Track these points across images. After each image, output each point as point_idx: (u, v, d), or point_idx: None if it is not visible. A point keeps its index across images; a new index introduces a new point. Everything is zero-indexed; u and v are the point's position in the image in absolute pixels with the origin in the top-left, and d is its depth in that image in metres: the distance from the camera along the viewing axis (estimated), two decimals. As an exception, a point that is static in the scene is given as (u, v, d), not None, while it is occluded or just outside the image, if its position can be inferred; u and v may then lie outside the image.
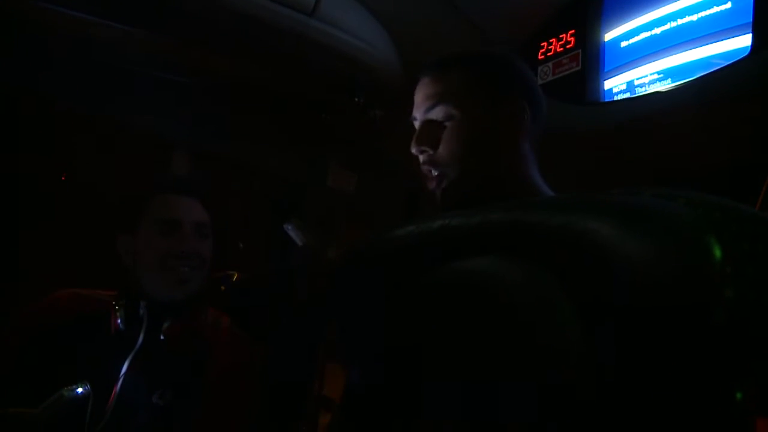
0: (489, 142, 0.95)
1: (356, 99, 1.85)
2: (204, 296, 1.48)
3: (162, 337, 1.33)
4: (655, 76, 1.41)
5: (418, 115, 1.00)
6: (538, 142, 1.01)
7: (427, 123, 0.98)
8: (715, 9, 1.29)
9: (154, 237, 1.38)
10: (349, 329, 0.90)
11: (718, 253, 0.42)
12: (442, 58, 1.02)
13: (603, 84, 1.54)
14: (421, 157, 0.99)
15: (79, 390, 1.24)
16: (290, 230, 1.11)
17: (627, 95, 1.47)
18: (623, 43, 1.50)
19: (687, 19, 1.35)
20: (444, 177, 0.96)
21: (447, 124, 0.96)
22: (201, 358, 1.34)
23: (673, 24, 1.38)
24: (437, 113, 0.97)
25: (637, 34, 1.46)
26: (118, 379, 1.28)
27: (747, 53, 1.21)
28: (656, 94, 1.38)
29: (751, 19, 1.21)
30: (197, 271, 1.40)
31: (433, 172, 0.97)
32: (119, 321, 1.34)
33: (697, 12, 1.32)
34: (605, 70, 1.54)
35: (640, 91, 1.44)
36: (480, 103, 0.95)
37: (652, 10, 1.43)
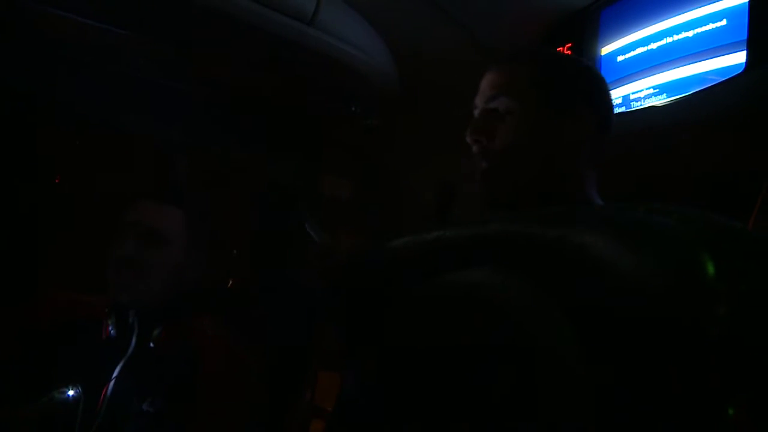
0: (543, 144, 0.92)
1: (353, 108, 1.86)
2: (195, 303, 1.48)
3: (151, 345, 1.33)
4: (651, 91, 1.42)
5: (479, 103, 0.97)
6: (601, 158, 0.97)
7: (486, 112, 0.95)
8: (711, 26, 1.30)
9: (114, 242, 1.38)
10: (346, 336, 0.90)
11: (711, 269, 0.42)
12: (517, 50, 1.00)
13: (599, 98, 1.55)
14: (474, 147, 0.95)
15: (71, 392, 1.24)
16: (308, 226, 1.11)
17: (623, 109, 1.48)
18: (619, 58, 1.51)
19: (683, 35, 1.36)
20: (491, 171, 0.93)
21: (506, 117, 0.92)
22: (192, 366, 1.34)
23: (669, 40, 1.39)
24: (497, 104, 0.93)
25: (634, 49, 1.47)
26: (108, 384, 1.27)
27: (742, 70, 1.22)
28: (651, 109, 1.39)
29: (746, 37, 1.22)
30: (139, 279, 1.36)
31: (483, 164, 0.94)
32: (110, 327, 1.34)
33: (693, 28, 1.34)
34: (601, 84, 1.55)
35: (636, 106, 1.45)
36: (543, 104, 0.92)
37: (649, 26, 1.44)
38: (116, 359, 1.32)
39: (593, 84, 0.99)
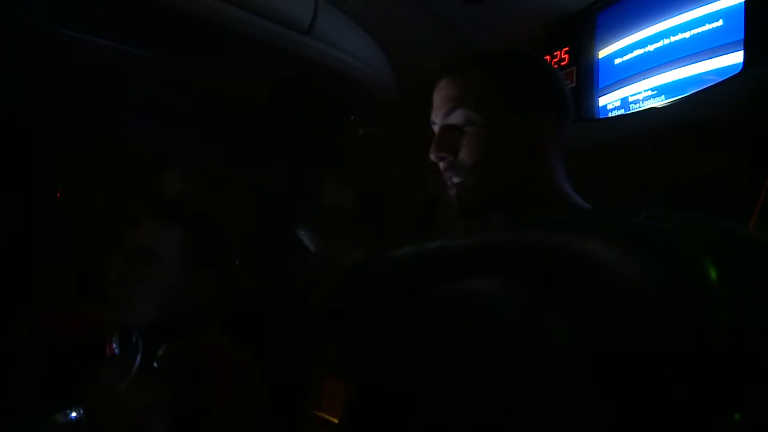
0: (511, 149, 0.90)
1: (351, 116, 1.86)
2: (198, 319, 1.45)
3: (155, 365, 1.31)
4: (649, 93, 1.42)
5: (437, 120, 0.95)
6: (564, 150, 0.96)
7: (446, 128, 0.93)
8: (707, 26, 1.30)
9: (112, 261, 1.35)
10: (349, 347, 0.90)
11: (713, 274, 0.42)
12: (463, 58, 0.97)
13: (597, 101, 1.55)
14: (441, 165, 0.93)
15: (73, 415, 1.21)
16: (303, 236, 1.07)
17: (621, 112, 1.48)
18: (617, 60, 1.51)
19: (680, 36, 1.36)
20: (463, 185, 0.91)
21: (467, 129, 0.90)
22: (199, 383, 1.31)
23: (666, 41, 1.39)
24: (456, 117, 0.91)
25: (631, 52, 1.48)
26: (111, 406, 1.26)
27: (739, 69, 1.22)
28: (650, 111, 1.39)
29: (742, 36, 1.22)
30: (128, 297, 1.33)
31: (453, 179, 0.92)
32: (115, 346, 1.31)
33: (690, 29, 1.34)
34: (599, 87, 1.55)
35: (635, 108, 1.45)
36: (502, 108, 0.90)
37: (645, 28, 1.44)
38: (121, 378, 1.30)
39: (550, 77, 0.97)
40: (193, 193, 2.20)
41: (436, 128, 0.96)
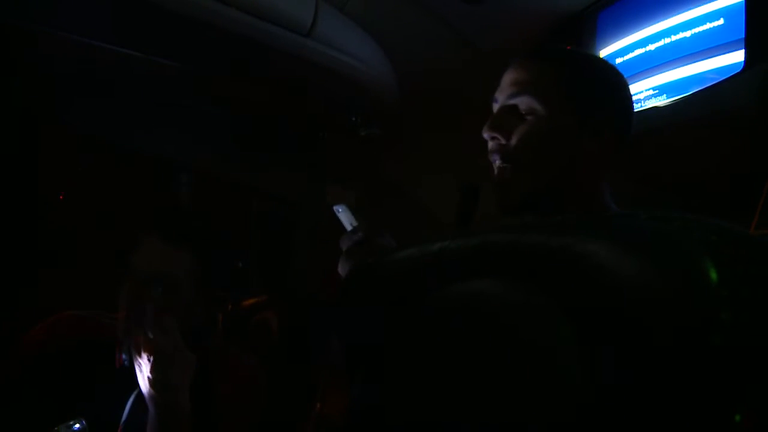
0: (563, 147, 0.90)
1: (353, 118, 1.86)
2: (203, 332, 1.41)
3: None
4: (651, 92, 1.42)
5: (500, 98, 0.94)
6: (617, 163, 0.95)
7: (506, 109, 0.92)
8: (709, 25, 1.30)
9: (121, 289, 1.28)
10: (352, 349, 0.90)
11: (713, 275, 0.42)
12: (542, 47, 0.98)
13: (599, 100, 1.55)
14: (490, 144, 0.92)
15: (76, 426, 1.18)
16: (340, 213, 1.04)
17: (622, 111, 1.48)
18: (618, 60, 1.51)
19: (681, 35, 1.36)
20: (507, 171, 0.90)
21: (527, 117, 0.89)
22: (207, 394, 1.26)
23: (667, 40, 1.39)
24: (519, 102, 0.90)
25: (632, 51, 1.48)
26: (120, 420, 1.23)
27: (740, 68, 1.22)
28: (653, 110, 1.39)
29: (743, 35, 1.22)
30: (141, 322, 1.22)
31: (498, 162, 0.91)
32: (123, 357, 1.22)
33: (691, 28, 1.34)
34: (601, 87, 1.55)
35: (637, 107, 1.45)
36: (565, 106, 0.89)
37: (646, 27, 1.44)
38: (129, 390, 1.27)
39: (620, 88, 0.97)
40: (198, 204, 2.20)
41: (495, 106, 0.95)
